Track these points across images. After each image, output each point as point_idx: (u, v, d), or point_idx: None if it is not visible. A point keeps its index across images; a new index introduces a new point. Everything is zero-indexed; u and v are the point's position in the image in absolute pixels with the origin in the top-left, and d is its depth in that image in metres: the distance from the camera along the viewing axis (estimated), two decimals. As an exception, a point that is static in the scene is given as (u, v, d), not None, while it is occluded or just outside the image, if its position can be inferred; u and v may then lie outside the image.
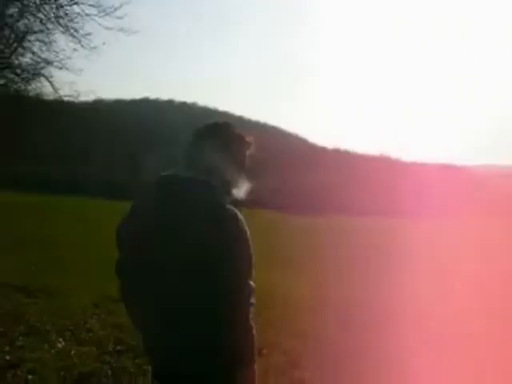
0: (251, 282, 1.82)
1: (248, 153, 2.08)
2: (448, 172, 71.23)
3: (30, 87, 29.45)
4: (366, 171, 65.48)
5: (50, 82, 27.48)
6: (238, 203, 1.93)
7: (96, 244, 16.46)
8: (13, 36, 28.58)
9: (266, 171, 69.79)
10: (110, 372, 4.28)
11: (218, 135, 2.02)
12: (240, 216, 1.85)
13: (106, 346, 4.98)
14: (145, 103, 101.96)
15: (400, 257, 16.56)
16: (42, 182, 50.89)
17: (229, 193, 1.98)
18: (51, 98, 29.91)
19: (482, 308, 8.14)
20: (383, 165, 71.09)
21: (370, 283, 11.29)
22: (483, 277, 13.04)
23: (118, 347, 4.95)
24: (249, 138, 2.08)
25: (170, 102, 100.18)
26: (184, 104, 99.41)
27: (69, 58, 13.69)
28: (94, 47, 13.89)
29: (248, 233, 1.85)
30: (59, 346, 4.86)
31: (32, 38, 29.32)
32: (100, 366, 4.39)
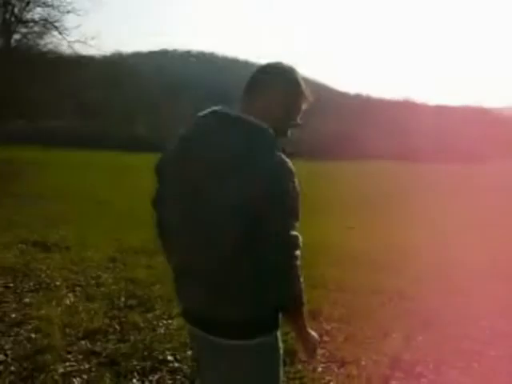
0: (297, 234, 1.69)
1: (304, 108, 1.92)
2: (474, 114, 69.50)
3: (42, 41, 29.41)
4: (389, 116, 64.44)
5: (56, 28, 27.26)
6: (286, 153, 1.76)
7: (120, 196, 16.53)
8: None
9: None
10: (118, 328, 4.11)
11: (283, 80, 1.86)
12: (292, 167, 1.71)
13: (117, 300, 4.80)
14: (163, 54, 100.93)
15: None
16: (67, 137, 50.97)
17: (281, 139, 1.84)
18: (65, 50, 29.80)
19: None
20: (407, 109, 69.69)
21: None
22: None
23: (129, 302, 4.78)
24: (309, 94, 1.91)
25: (187, 53, 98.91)
26: (202, 54, 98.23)
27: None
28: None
29: (296, 181, 1.71)
30: (67, 302, 4.70)
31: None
32: (108, 322, 4.22)
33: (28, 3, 28.61)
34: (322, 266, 7.16)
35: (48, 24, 28.69)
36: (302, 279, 1.69)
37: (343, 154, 49.07)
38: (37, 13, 30.13)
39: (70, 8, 28.88)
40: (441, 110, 71.40)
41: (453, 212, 16.19)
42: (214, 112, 1.80)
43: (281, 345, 1.84)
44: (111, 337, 3.93)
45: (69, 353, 3.59)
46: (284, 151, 1.75)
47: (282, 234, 1.64)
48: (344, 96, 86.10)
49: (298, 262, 1.68)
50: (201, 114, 1.83)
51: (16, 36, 29.36)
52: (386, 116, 64.77)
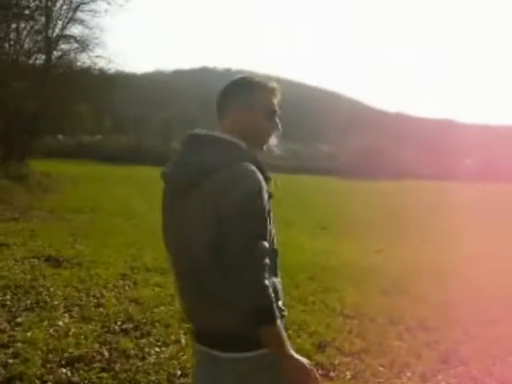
0: (265, 243, 1.66)
1: (276, 100, 1.91)
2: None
3: (80, 57, 29.96)
4: (429, 135, 63.34)
5: (89, 46, 27.72)
6: (259, 163, 1.77)
7: (151, 212, 16.42)
8: (65, 7, 28.96)
9: (328, 136, 69.10)
10: (106, 354, 3.83)
11: (239, 88, 1.89)
12: (255, 174, 1.70)
13: (113, 323, 4.54)
14: (204, 72, 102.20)
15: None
16: (105, 152, 51.84)
17: (262, 148, 1.90)
18: (104, 66, 30.28)
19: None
20: (447, 128, 68.41)
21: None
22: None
23: (125, 325, 4.50)
24: (272, 84, 1.92)
25: (228, 70, 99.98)
26: (241, 72, 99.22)
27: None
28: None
29: (262, 190, 1.70)
30: (60, 323, 4.45)
31: (85, 8, 29.64)
32: (97, 348, 3.94)
33: (69, 20, 29.20)
34: (342, 290, 6.78)
35: (87, 41, 29.16)
36: (270, 291, 1.62)
37: (378, 173, 48.28)
38: (76, 30, 30.74)
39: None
40: (482, 130, 69.77)
41: (487, 234, 15.46)
42: (190, 135, 1.86)
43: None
44: (96, 364, 3.65)
45: (44, 382, 3.31)
46: (259, 164, 1.76)
47: (241, 244, 1.62)
48: (383, 114, 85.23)
49: (263, 271, 1.62)
50: (183, 137, 1.90)
51: (56, 53, 29.94)
52: (426, 135, 63.65)
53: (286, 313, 1.83)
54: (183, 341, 4.16)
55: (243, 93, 1.87)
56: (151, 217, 15.20)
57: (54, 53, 29.39)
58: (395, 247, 13.13)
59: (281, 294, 1.82)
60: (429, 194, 32.11)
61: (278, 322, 1.63)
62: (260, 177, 1.71)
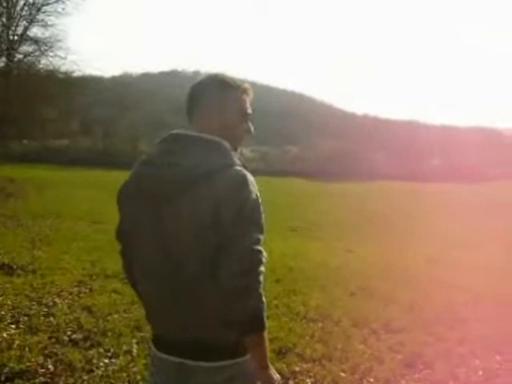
0: (261, 249, 1.64)
1: (248, 101, 1.85)
2: (479, 134, 68.89)
3: (43, 61, 29.34)
4: (396, 137, 64.11)
5: (52, 48, 27.13)
6: (243, 163, 1.74)
7: (113, 217, 16.09)
8: (26, 8, 28.31)
9: (296, 138, 69.25)
10: (51, 368, 3.57)
11: (213, 88, 1.81)
12: (251, 178, 1.68)
13: (62, 334, 4.27)
14: (172, 75, 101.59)
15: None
16: (72, 156, 50.99)
17: (236, 149, 1.80)
18: (68, 69, 29.66)
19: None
20: (413, 130, 69.30)
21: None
22: None
23: (75, 335, 4.24)
24: (244, 84, 1.86)
25: (196, 73, 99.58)
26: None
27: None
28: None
29: (259, 197, 1.68)
30: (4, 335, 4.17)
31: (48, 9, 29.03)
32: (42, 361, 3.68)
33: (30, 22, 28.56)
34: (307, 293, 6.62)
35: (49, 43, 28.54)
36: (262, 299, 1.60)
37: (349, 175, 48.57)
38: (39, 32, 30.13)
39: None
40: (447, 131, 70.95)
41: (457, 235, 15.55)
42: (171, 134, 1.76)
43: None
44: (39, 379, 3.40)
45: (-22, 401, 3.07)
46: (244, 165, 1.72)
47: (243, 250, 1.59)
48: (351, 116, 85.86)
49: (261, 279, 1.60)
50: (161, 137, 1.79)
51: (18, 55, 29.24)
52: (393, 136, 64.36)
53: None
54: (135, 351, 3.94)
55: (216, 92, 1.80)
56: (118, 221, 14.95)
57: (16, 55, 28.75)
58: (364, 248, 13.08)
59: None
60: (398, 195, 32.33)
61: (266, 331, 1.64)
62: (253, 180, 1.69)
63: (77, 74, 31.07)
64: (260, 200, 1.68)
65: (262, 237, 1.66)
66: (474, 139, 64.30)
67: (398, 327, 5.15)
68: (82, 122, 61.51)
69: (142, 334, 4.29)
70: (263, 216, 1.69)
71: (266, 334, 1.63)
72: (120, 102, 71.41)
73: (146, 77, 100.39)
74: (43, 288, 5.89)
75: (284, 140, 70.78)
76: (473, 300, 6.78)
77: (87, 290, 6.02)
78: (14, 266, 7.04)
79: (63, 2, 27.80)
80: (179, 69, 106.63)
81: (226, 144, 1.73)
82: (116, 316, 4.81)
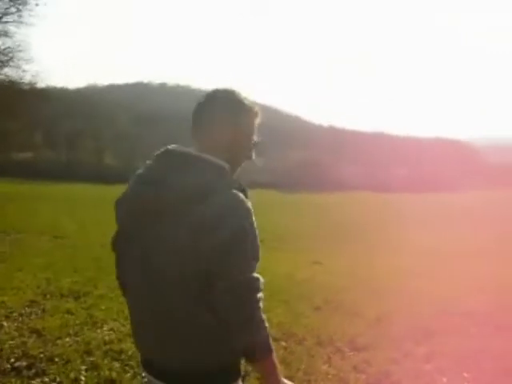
0: (257, 276, 1.60)
1: (256, 124, 1.82)
2: (443, 145, 70.25)
3: (3, 71, 28.66)
4: (363, 148, 64.76)
5: (11, 59, 26.50)
6: (242, 187, 1.66)
7: (80, 231, 15.64)
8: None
9: (262, 150, 69.56)
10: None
11: (229, 109, 1.74)
12: (245, 203, 1.61)
13: (6, 361, 3.96)
14: (138, 87, 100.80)
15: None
16: (35, 169, 50.00)
17: (235, 171, 1.76)
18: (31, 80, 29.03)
19: None
20: (380, 141, 70.16)
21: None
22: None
23: (19, 363, 3.93)
24: (256, 107, 1.81)
25: (162, 85, 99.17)
26: (178, 87, 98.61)
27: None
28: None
29: (252, 221, 1.62)
30: None
31: (9, 19, 28.43)
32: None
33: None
34: (270, 309, 6.39)
35: (10, 54, 27.93)
36: (264, 324, 1.58)
37: (316, 185, 48.75)
38: (2, 42, 29.50)
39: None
40: (413, 142, 72.11)
41: (424, 242, 15.58)
42: (167, 151, 1.70)
43: None
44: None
45: None
46: (242, 189, 1.65)
47: (240, 278, 1.55)
48: (317, 128, 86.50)
49: (261, 305, 1.58)
50: (157, 153, 1.73)
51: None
52: (359, 148, 65.01)
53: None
54: (83, 378, 3.65)
55: (231, 114, 1.74)
56: (81, 235, 14.53)
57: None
58: (332, 259, 12.97)
59: None
60: (366, 205, 32.56)
61: (274, 352, 1.61)
62: (249, 205, 1.63)
63: (40, 85, 30.49)
64: (254, 224, 1.61)
65: (254, 263, 1.61)
66: (439, 150, 65.48)
67: (364, 344, 4.97)
68: (45, 134, 60.59)
69: (92, 359, 4.01)
70: (257, 241, 1.63)
71: (274, 356, 1.61)
72: (85, 113, 70.40)
73: (112, 88, 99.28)
74: (-7, 308, 5.55)
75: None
76: (441, 312, 6.67)
77: (39, 311, 5.68)
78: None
79: (22, 11, 27.27)
80: (145, 81, 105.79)
81: (225, 165, 1.67)
82: (67, 339, 4.50)
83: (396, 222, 21.94)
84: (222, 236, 1.54)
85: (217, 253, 1.54)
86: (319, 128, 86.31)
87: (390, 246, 15.17)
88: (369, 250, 14.60)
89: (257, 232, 1.62)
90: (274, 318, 5.90)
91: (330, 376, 4.05)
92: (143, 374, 1.84)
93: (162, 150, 1.72)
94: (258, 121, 1.83)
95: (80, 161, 55.40)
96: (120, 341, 4.55)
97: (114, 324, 5.19)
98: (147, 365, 1.76)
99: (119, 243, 1.79)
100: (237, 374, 1.70)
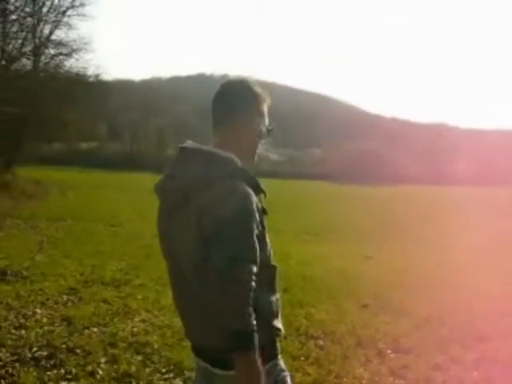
0: (249, 266, 1.58)
1: (266, 108, 1.86)
2: (506, 138, 66.93)
3: (68, 63, 29.42)
4: (424, 140, 62.89)
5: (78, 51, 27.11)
6: (249, 176, 1.70)
7: (135, 221, 15.78)
8: (52, 11, 28.43)
9: (320, 141, 68.57)
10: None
11: (243, 99, 1.82)
12: (244, 191, 1.64)
13: (28, 349, 3.88)
14: (201, 79, 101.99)
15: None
16: (99, 159, 51.36)
17: (253, 158, 1.84)
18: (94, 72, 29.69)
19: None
20: (442, 133, 67.92)
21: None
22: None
23: (39, 352, 3.83)
24: (267, 95, 1.87)
25: (224, 77, 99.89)
26: (239, 78, 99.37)
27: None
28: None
29: (248, 210, 1.62)
30: (-37, 350, 3.80)
31: (73, 12, 29.15)
32: (-7, 383, 3.29)
33: (57, 25, 28.63)
34: (314, 304, 6.12)
35: (74, 46, 28.56)
36: (247, 319, 1.55)
37: (373, 177, 47.72)
38: (65, 34, 30.29)
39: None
40: (475, 134, 69.36)
41: (481, 242, 14.77)
42: (180, 147, 1.82)
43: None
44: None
45: None
46: (249, 178, 1.68)
47: (220, 266, 1.57)
48: (378, 119, 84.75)
49: (244, 296, 1.56)
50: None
51: (44, 58, 29.32)
52: (421, 139, 63.14)
53: (282, 332, 1.79)
54: (100, 372, 3.51)
55: (246, 104, 1.82)
56: (136, 224, 14.64)
57: (42, 58, 28.82)
58: (385, 254, 12.47)
59: (279, 312, 1.79)
60: (424, 199, 31.49)
61: (255, 352, 1.56)
62: (249, 195, 1.65)
63: (105, 77, 31.18)
64: (251, 214, 1.62)
65: (244, 253, 1.60)
66: (502, 142, 62.76)
67: (408, 346, 4.62)
68: (111, 125, 62.23)
69: (114, 351, 3.87)
70: (252, 230, 1.63)
71: (254, 358, 1.54)
72: (149, 105, 71.76)
73: (175, 80, 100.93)
74: (28, 296, 5.56)
75: (308, 142, 70.24)
76: (497, 313, 6.18)
77: (76, 299, 5.66)
78: (9, 272, 6.74)
79: (86, 5, 27.88)
80: (207, 72, 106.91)
81: (234, 158, 1.71)
82: (94, 329, 4.41)
83: (453, 216, 20.98)
84: (212, 221, 1.60)
85: (209, 238, 1.60)
86: (377, 118, 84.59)
87: (446, 241, 14.44)
88: (423, 245, 13.94)
89: (252, 222, 1.62)
90: (317, 315, 5.65)
91: (363, 381, 3.74)
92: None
93: (179, 146, 1.83)
94: (268, 105, 1.87)
95: (142, 152, 56.47)
96: (147, 333, 4.41)
97: (146, 315, 5.07)
98: (192, 347, 1.86)
99: (159, 230, 1.86)
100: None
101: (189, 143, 1.82)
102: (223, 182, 1.65)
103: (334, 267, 9.66)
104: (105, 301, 5.54)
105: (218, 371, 1.72)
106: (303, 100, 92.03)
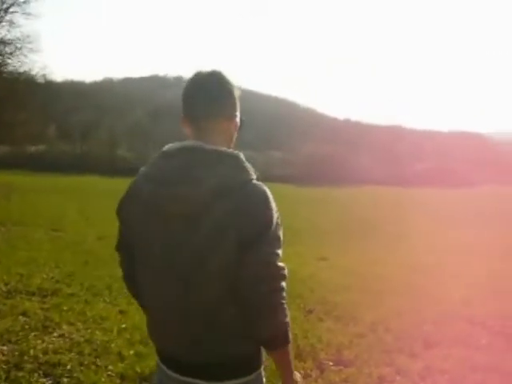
0: (282, 264, 1.57)
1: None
2: (462, 139, 68.89)
3: (10, 61, 28.32)
4: (379, 141, 63.85)
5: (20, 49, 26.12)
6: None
7: (79, 225, 15.15)
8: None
9: (278, 143, 68.85)
10: None
11: (229, 94, 1.72)
12: (269, 193, 1.61)
13: None
14: (154, 80, 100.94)
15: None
16: (48, 162, 49.93)
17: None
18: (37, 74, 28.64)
19: None
20: (395, 134, 69.13)
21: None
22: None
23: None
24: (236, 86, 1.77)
25: (178, 78, 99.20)
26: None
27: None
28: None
29: (277, 212, 1.61)
30: None
31: (16, 9, 28.08)
32: None
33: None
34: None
35: (18, 44, 27.59)
36: (287, 313, 1.57)
37: (333, 179, 48.06)
38: (9, 33, 29.24)
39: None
40: (431, 135, 70.97)
41: (441, 239, 14.79)
42: (184, 147, 1.64)
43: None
44: None
45: None
46: (258, 177, 1.65)
47: (266, 266, 1.53)
48: (333, 121, 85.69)
49: (284, 294, 1.58)
50: (166, 149, 1.67)
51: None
52: (376, 141, 64.11)
53: None
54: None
55: (231, 96, 1.73)
56: (80, 228, 14.04)
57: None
58: (341, 256, 12.25)
59: None
60: (385, 200, 31.71)
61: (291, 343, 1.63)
62: (271, 194, 1.63)
63: (54, 78, 30.23)
64: (278, 215, 1.62)
65: (281, 252, 1.60)
66: (458, 143, 64.36)
67: (351, 357, 4.30)
68: (61, 127, 60.66)
69: (18, 374, 3.42)
70: (281, 230, 1.63)
71: (290, 347, 1.61)
72: (100, 106, 70.46)
73: (127, 81, 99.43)
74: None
75: (267, 145, 70.38)
76: (449, 317, 5.95)
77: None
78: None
79: (30, 2, 26.91)
80: (160, 74, 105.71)
81: (242, 157, 1.66)
82: (4, 348, 3.94)
83: (413, 217, 21.10)
84: (253, 227, 1.53)
85: (248, 240, 1.51)
86: (334, 121, 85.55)
87: (407, 242, 14.36)
88: (383, 246, 13.81)
89: (280, 221, 1.62)
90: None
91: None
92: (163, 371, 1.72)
93: (176, 145, 1.66)
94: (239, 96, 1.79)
95: (93, 153, 55.24)
96: (62, 351, 3.95)
97: (67, 329, 4.62)
98: (172, 363, 1.70)
99: (129, 245, 1.72)
100: (258, 362, 1.68)
101: (192, 142, 1.66)
102: (249, 185, 1.59)
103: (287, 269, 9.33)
104: (24, 313, 5.05)
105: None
106: (260, 103, 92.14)
